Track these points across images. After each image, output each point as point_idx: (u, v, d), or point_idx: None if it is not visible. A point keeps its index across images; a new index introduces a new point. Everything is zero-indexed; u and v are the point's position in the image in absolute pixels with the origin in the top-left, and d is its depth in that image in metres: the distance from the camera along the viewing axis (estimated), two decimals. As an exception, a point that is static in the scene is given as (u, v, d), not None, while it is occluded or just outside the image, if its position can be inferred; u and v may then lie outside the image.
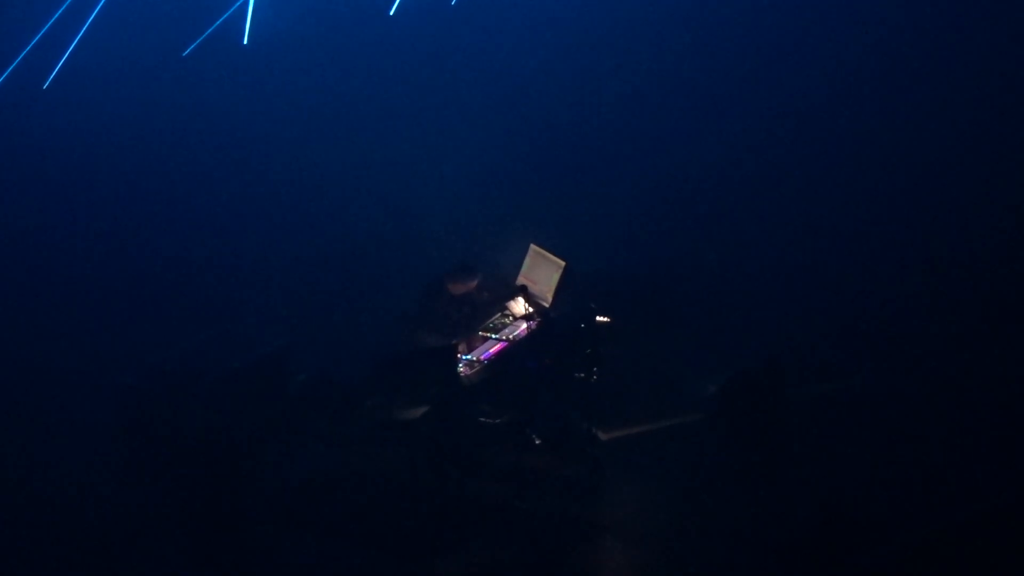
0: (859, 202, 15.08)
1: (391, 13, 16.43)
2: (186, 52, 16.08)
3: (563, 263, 12.12)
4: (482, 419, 11.64)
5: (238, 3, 15.42)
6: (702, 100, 16.52)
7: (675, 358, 13.02)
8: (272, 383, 11.96)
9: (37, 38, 14.47)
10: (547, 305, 12.20)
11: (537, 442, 11.81)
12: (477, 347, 11.99)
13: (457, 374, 11.51)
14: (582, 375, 11.68)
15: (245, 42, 15.97)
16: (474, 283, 12.03)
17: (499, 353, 11.87)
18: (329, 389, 11.94)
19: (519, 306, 12.30)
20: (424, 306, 12.25)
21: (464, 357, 11.75)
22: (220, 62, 16.71)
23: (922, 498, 10.55)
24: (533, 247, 12.44)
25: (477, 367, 11.74)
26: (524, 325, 12.07)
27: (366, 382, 11.62)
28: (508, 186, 16.02)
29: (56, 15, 14.60)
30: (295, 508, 11.19)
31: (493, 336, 12.09)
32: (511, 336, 12.06)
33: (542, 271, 12.32)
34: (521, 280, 12.41)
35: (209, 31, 15.94)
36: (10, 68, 14.31)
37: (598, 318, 11.77)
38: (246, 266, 15.25)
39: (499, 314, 12.30)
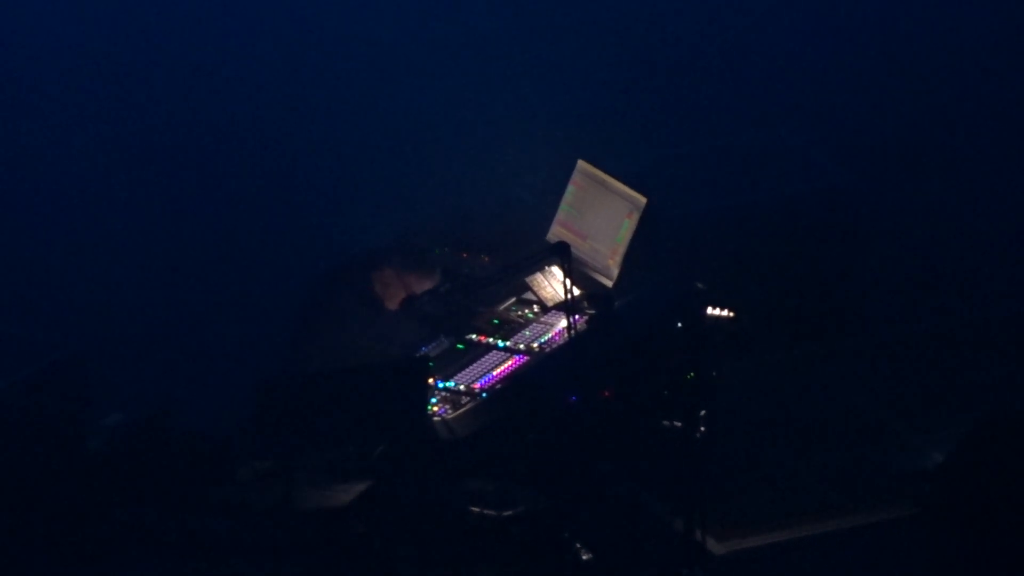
0: None
1: None
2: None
3: (643, 199, 9.74)
4: (473, 507, 9.10)
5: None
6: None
7: (854, 390, 10.27)
8: (49, 431, 9.00)
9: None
10: (608, 283, 9.91)
11: (584, 557, 9.13)
12: (468, 366, 9.58)
13: (427, 418, 9.11)
14: (678, 424, 9.17)
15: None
16: (431, 279, 9.82)
17: (511, 377, 9.48)
18: (165, 444, 8.99)
19: (552, 283, 10.04)
20: (348, 276, 9.83)
21: (441, 384, 9.42)
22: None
23: None
24: (583, 166, 10.11)
25: (466, 405, 9.31)
26: (562, 323, 9.74)
27: (235, 432, 9.05)
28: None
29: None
30: None
31: (500, 344, 9.71)
32: (536, 344, 9.76)
33: (599, 215, 10.10)
34: (558, 233, 10.19)
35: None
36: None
37: (710, 311, 9.46)
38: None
39: (513, 299, 10.05)
